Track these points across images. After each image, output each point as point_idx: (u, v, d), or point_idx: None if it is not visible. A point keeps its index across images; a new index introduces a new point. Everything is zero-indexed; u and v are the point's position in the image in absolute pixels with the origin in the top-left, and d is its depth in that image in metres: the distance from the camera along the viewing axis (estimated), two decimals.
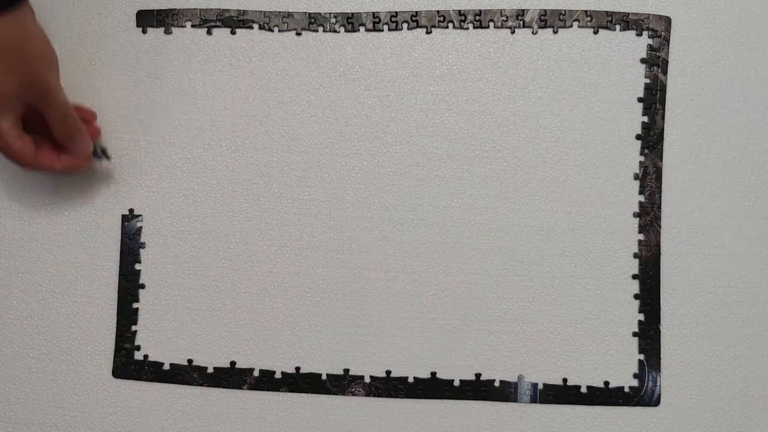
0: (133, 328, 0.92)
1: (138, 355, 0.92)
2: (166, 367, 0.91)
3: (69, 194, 0.92)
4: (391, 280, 0.91)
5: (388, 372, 0.91)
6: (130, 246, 0.92)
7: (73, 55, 0.93)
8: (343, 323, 0.91)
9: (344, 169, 0.92)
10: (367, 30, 0.94)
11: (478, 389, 0.90)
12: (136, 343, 0.92)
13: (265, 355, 0.91)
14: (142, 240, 0.92)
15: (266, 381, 0.91)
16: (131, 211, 0.92)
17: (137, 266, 0.92)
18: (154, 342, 0.92)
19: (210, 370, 0.91)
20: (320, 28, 0.94)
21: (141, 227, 0.92)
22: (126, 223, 0.92)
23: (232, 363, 0.91)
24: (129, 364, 0.91)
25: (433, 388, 0.90)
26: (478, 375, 0.90)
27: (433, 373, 0.90)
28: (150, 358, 0.92)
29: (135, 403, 0.91)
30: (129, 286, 0.92)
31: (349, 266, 0.91)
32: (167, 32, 0.94)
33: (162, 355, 0.92)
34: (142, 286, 0.92)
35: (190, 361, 0.91)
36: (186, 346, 0.92)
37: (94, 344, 0.92)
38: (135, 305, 0.92)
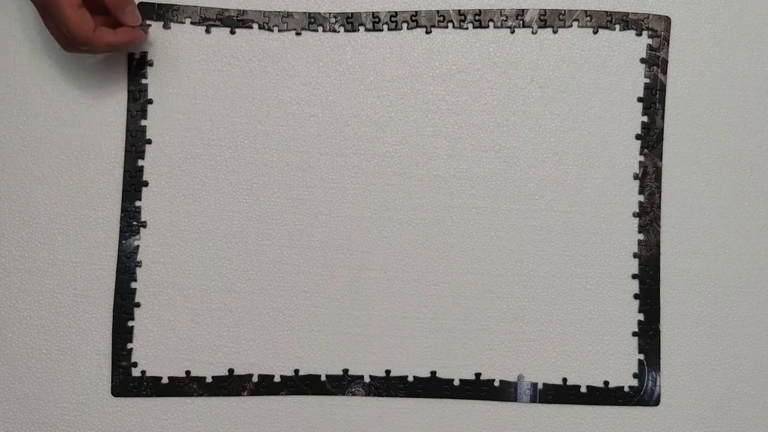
0: (129, 345, 0.91)
1: (136, 372, 0.91)
2: (165, 380, 0.91)
3: (69, 195, 0.92)
4: (391, 280, 0.91)
5: (388, 371, 0.90)
6: (127, 264, 0.92)
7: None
8: (343, 323, 0.91)
9: (344, 169, 0.92)
10: (367, 30, 0.93)
11: (478, 389, 0.90)
12: (133, 360, 0.91)
13: (263, 360, 0.91)
14: (138, 258, 0.92)
15: (266, 385, 0.91)
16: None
17: (133, 285, 0.92)
18: (151, 357, 0.91)
19: (209, 380, 0.91)
20: (320, 28, 0.94)
21: (138, 246, 0.92)
22: (123, 242, 0.92)
23: (230, 370, 0.91)
24: (127, 381, 0.91)
25: (432, 387, 0.90)
26: (477, 374, 0.90)
27: (433, 373, 0.90)
28: (148, 374, 0.91)
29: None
30: (124, 304, 0.91)
31: (348, 266, 0.91)
32: (166, 27, 0.94)
33: (159, 369, 0.91)
34: (138, 305, 0.91)
35: (188, 372, 0.91)
36: (183, 357, 0.91)
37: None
38: (130, 323, 0.91)
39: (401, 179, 0.92)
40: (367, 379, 0.91)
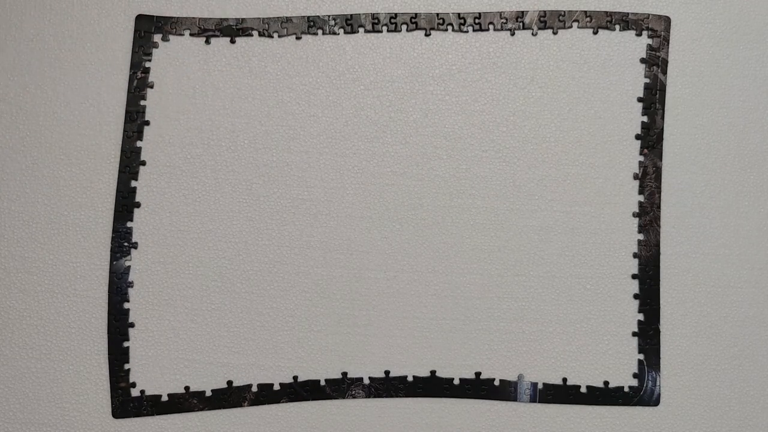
0: (126, 366, 0.90)
1: (135, 392, 0.90)
2: (165, 398, 0.90)
3: (69, 195, 0.92)
4: (391, 280, 0.91)
5: (387, 372, 0.90)
6: (118, 285, 0.91)
7: (74, 55, 0.93)
8: (342, 324, 0.91)
9: (344, 169, 0.92)
10: (367, 31, 0.94)
11: (478, 388, 0.90)
12: (131, 381, 0.90)
13: (261, 367, 0.91)
14: (130, 279, 0.91)
15: (265, 394, 0.90)
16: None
17: (126, 305, 0.91)
18: (149, 375, 0.90)
19: (208, 393, 0.90)
20: (320, 31, 0.94)
21: (129, 266, 0.91)
22: (114, 263, 0.91)
23: (229, 382, 0.90)
24: (127, 402, 0.90)
25: (432, 386, 0.90)
26: (478, 374, 0.90)
27: (433, 372, 0.90)
28: (147, 393, 0.90)
29: None
30: (118, 325, 0.91)
31: (348, 266, 0.91)
32: (165, 39, 0.94)
33: (158, 387, 0.90)
34: (132, 325, 0.91)
35: (187, 388, 0.90)
36: (180, 373, 0.90)
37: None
38: (126, 344, 0.91)
39: (401, 179, 0.92)
40: (366, 381, 0.91)
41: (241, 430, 0.90)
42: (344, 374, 0.91)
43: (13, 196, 0.92)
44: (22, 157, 0.92)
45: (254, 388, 0.90)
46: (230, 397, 0.90)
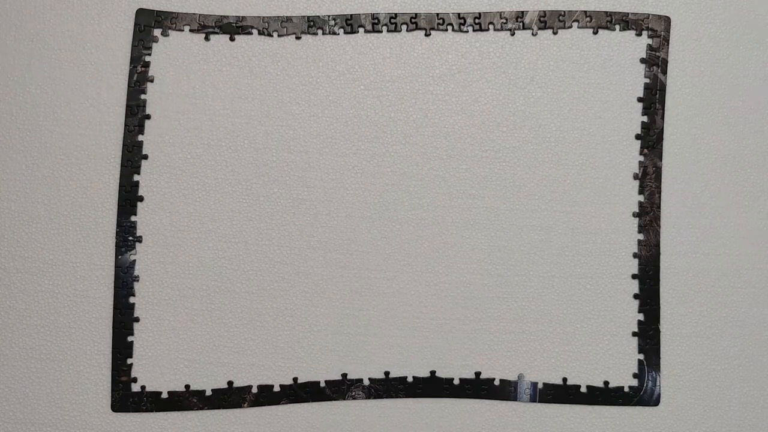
0: (129, 360, 0.90)
1: (135, 387, 0.90)
2: (165, 395, 0.90)
3: (69, 195, 0.92)
4: (391, 279, 0.91)
5: (387, 373, 0.90)
6: (124, 280, 0.91)
7: (73, 55, 0.93)
8: (342, 324, 0.91)
9: (344, 169, 0.92)
10: (367, 31, 0.94)
11: (478, 388, 0.90)
12: (133, 375, 0.90)
13: (261, 370, 0.90)
14: (135, 273, 0.91)
15: (265, 396, 0.90)
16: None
17: (131, 299, 0.91)
18: (150, 371, 0.90)
19: (208, 393, 0.90)
20: (320, 31, 0.94)
21: (134, 260, 0.91)
22: (119, 257, 0.91)
23: (230, 383, 0.90)
24: (127, 396, 0.90)
25: (432, 386, 0.90)
26: (477, 374, 0.90)
27: (433, 372, 0.90)
28: (147, 389, 0.90)
29: None
30: (123, 320, 0.91)
31: (348, 266, 0.91)
32: (164, 35, 0.94)
33: (159, 384, 0.90)
34: (137, 320, 0.91)
35: (187, 386, 0.90)
36: (182, 371, 0.90)
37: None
38: (130, 338, 0.91)
39: (401, 179, 0.92)
40: (366, 382, 0.90)
41: (241, 430, 0.90)
42: (344, 375, 0.91)
43: (14, 190, 0.92)
44: (23, 151, 0.92)
45: (254, 389, 0.90)
46: (230, 397, 0.90)
